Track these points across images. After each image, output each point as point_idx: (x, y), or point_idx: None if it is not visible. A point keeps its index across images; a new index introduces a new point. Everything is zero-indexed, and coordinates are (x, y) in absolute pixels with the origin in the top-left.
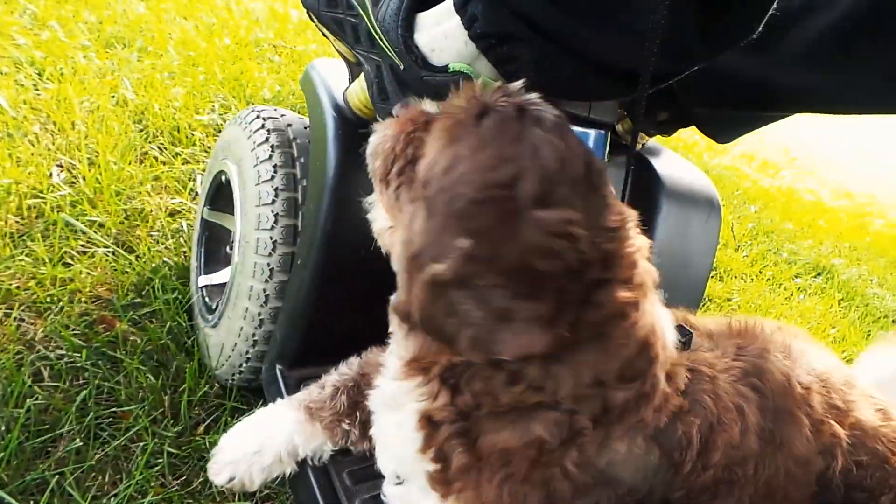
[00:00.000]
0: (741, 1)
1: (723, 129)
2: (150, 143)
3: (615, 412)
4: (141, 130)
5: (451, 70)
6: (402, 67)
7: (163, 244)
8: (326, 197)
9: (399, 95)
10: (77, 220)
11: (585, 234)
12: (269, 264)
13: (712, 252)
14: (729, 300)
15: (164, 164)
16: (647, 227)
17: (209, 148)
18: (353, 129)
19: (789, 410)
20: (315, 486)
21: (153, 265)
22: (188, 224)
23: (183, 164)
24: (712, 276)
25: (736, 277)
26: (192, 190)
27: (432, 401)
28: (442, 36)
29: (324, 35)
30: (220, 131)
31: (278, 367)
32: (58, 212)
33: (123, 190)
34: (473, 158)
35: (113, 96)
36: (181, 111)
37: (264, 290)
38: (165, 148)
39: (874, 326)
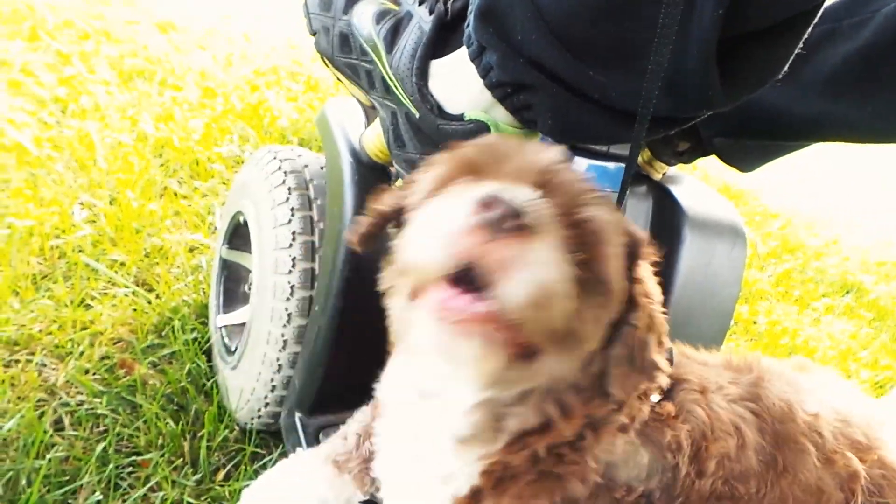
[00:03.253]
0: (766, 42)
1: (744, 159)
2: (169, 177)
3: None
4: (161, 165)
5: (468, 119)
6: (417, 116)
7: (182, 281)
8: (344, 243)
9: (415, 143)
10: (98, 259)
11: None
12: (286, 309)
13: (738, 281)
14: (755, 323)
15: (183, 198)
16: (671, 258)
17: (228, 180)
18: (370, 173)
19: (792, 436)
20: None
21: (172, 304)
22: (207, 260)
23: (202, 197)
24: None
25: (761, 299)
26: (211, 224)
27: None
28: (457, 84)
29: (338, 79)
30: (238, 163)
31: (297, 414)
32: (79, 252)
33: (143, 227)
34: None
35: (133, 131)
36: (200, 143)
37: (282, 335)
38: (185, 182)
39: None
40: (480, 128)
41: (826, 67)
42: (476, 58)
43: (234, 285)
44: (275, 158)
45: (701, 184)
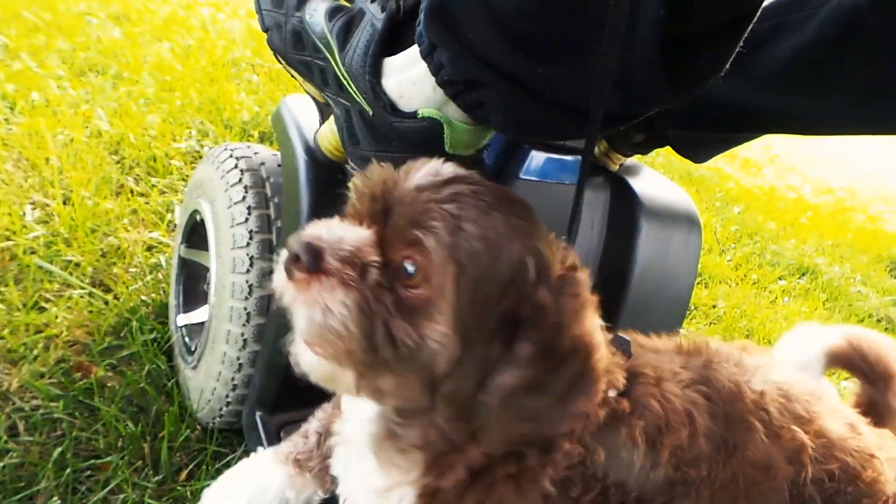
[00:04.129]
0: (708, 42)
1: (697, 150)
2: (125, 175)
3: None
4: (117, 162)
5: (421, 116)
6: (371, 113)
7: (140, 281)
8: None
9: (370, 141)
10: (52, 261)
11: None
12: (245, 308)
13: (694, 269)
14: (714, 307)
15: (140, 196)
16: (629, 248)
17: (187, 177)
18: (326, 170)
19: (740, 416)
20: None
21: (131, 305)
22: (166, 259)
23: (160, 195)
24: (697, 283)
25: (720, 283)
26: (169, 222)
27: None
28: (410, 82)
29: (292, 76)
30: (198, 159)
31: (258, 413)
32: (31, 254)
33: (99, 226)
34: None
35: (87, 127)
36: (157, 140)
37: (242, 335)
38: (142, 179)
39: (861, 326)
40: (434, 125)
41: (774, 62)
42: (427, 55)
43: (193, 284)
44: (231, 156)
45: (657, 174)
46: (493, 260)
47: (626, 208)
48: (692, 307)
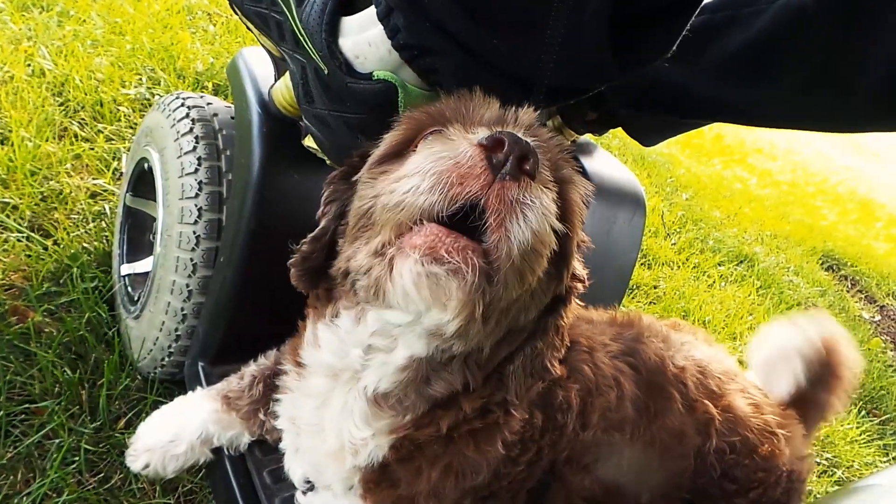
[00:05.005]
0: (655, 23)
1: (646, 133)
2: (70, 118)
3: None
4: (60, 105)
5: (376, 78)
6: (326, 72)
7: (83, 228)
8: (251, 195)
9: (325, 99)
10: None
11: None
12: (192, 259)
13: (637, 246)
14: (655, 287)
15: (85, 141)
16: None
17: (135, 125)
18: (280, 125)
19: (662, 386)
20: (234, 485)
21: (71, 251)
22: (111, 207)
23: (106, 141)
24: (641, 264)
25: (664, 265)
26: (115, 170)
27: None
28: (366, 43)
29: (248, 28)
30: (147, 107)
31: (200, 363)
32: None
33: (40, 169)
34: None
35: (28, 65)
36: (105, 84)
37: (187, 286)
38: (87, 124)
39: (788, 314)
40: (388, 88)
41: (723, 52)
42: (384, 18)
43: (138, 234)
44: (183, 105)
45: (608, 154)
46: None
47: None
48: (634, 286)
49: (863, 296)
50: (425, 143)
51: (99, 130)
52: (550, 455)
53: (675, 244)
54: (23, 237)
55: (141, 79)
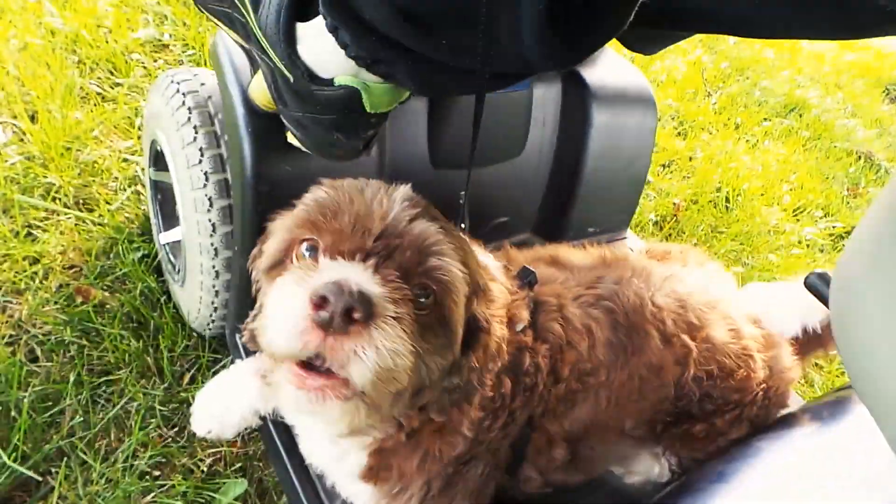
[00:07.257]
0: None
1: (645, 45)
2: (87, 78)
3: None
4: (76, 64)
5: (338, 84)
6: (291, 80)
7: (121, 196)
8: (248, 191)
9: (296, 104)
10: (33, 185)
11: None
12: (210, 220)
13: (650, 149)
14: (691, 159)
15: (107, 101)
16: (581, 142)
17: (151, 70)
18: (266, 121)
19: (640, 325)
20: (279, 443)
21: (115, 224)
22: (142, 168)
23: (126, 95)
24: (676, 133)
25: (702, 129)
26: (140, 128)
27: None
28: (323, 50)
29: (216, 25)
30: (158, 48)
31: (237, 334)
32: (14, 183)
33: (72, 144)
34: None
35: (40, 25)
36: (114, 33)
37: (212, 244)
38: (105, 81)
39: (834, 168)
40: (352, 92)
41: None
42: (332, 32)
43: (167, 204)
44: (172, 82)
45: (614, 55)
46: (470, 278)
47: (577, 101)
48: (668, 161)
49: None
50: (291, 267)
51: (116, 83)
52: (525, 412)
53: (715, 104)
54: (72, 216)
55: (147, 18)
